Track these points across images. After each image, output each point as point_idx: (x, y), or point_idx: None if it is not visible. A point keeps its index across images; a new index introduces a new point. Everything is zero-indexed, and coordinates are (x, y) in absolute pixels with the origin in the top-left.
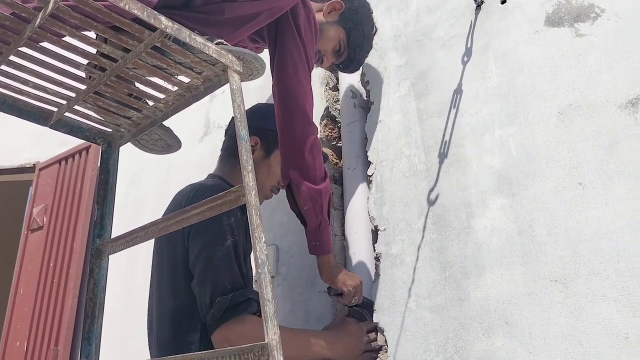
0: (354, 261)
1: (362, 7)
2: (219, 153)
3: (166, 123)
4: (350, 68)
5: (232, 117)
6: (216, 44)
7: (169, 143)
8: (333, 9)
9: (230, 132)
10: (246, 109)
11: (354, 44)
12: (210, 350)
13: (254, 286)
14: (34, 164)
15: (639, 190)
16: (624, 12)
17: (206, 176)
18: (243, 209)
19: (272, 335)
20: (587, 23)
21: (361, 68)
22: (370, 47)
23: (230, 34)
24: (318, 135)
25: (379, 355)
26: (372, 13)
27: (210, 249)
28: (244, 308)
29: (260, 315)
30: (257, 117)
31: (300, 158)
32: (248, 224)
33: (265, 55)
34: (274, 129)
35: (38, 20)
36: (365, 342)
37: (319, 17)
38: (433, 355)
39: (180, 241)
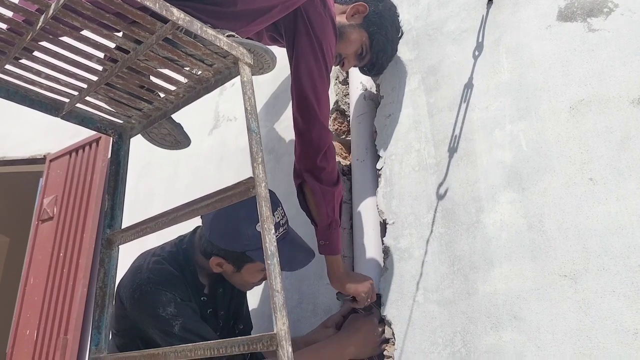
0: (362, 254)
1: (387, 10)
2: (227, 147)
3: (176, 115)
4: (372, 72)
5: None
6: (227, 36)
7: (178, 139)
8: (357, 11)
9: (200, 232)
10: (210, 219)
11: (377, 48)
12: (220, 340)
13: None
14: (44, 155)
15: None
16: (637, 7)
17: (177, 237)
18: (183, 296)
19: (281, 325)
20: (600, 18)
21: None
22: (395, 51)
23: (243, 28)
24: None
25: (386, 347)
26: (398, 17)
27: (167, 340)
28: None
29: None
30: (219, 238)
31: (314, 161)
32: (197, 297)
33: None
34: (236, 249)
35: (51, 11)
36: (378, 334)
37: (342, 19)
38: (440, 349)
39: (123, 312)
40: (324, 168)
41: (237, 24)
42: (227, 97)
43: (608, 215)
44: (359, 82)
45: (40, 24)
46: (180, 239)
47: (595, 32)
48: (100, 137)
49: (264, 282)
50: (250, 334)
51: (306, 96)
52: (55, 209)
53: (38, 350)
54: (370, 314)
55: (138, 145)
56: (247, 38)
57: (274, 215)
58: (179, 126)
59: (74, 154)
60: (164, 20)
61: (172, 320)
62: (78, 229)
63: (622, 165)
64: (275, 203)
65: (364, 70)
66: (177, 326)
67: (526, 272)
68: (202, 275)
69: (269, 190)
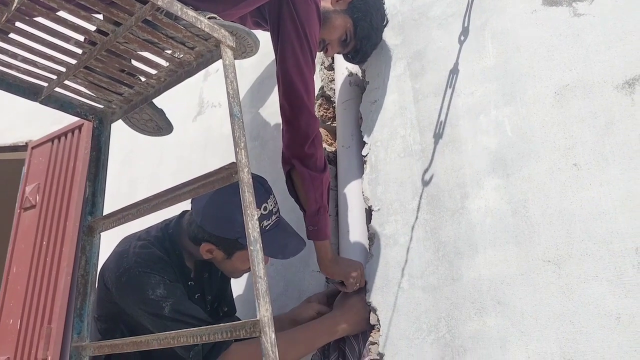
0: (348, 241)
1: None
2: (212, 133)
3: (160, 101)
4: (356, 59)
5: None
6: (208, 18)
7: (160, 125)
8: None
9: (191, 218)
10: (202, 205)
11: (361, 35)
12: (202, 327)
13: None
14: (26, 142)
15: (633, 172)
16: None
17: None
18: (172, 278)
19: (264, 312)
20: (586, 2)
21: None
22: (379, 39)
23: (227, 11)
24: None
25: (371, 333)
26: (384, 4)
27: (158, 323)
28: (219, 347)
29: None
30: (211, 225)
31: (303, 148)
32: (184, 282)
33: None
34: (229, 236)
35: None
36: (369, 311)
37: (326, 4)
38: (425, 335)
39: (108, 289)
40: (312, 155)
41: (220, 6)
42: (212, 83)
43: (592, 201)
44: (345, 67)
45: (15, 4)
46: (166, 223)
47: (580, 16)
48: (82, 124)
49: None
50: (233, 317)
51: (293, 82)
52: (37, 197)
53: (22, 340)
54: (361, 291)
55: (121, 132)
56: None
57: (267, 202)
58: (161, 112)
59: (56, 140)
60: (144, 2)
61: (162, 301)
62: (61, 217)
63: (606, 151)
64: (267, 191)
65: (347, 58)
66: (167, 307)
67: (510, 257)
68: (188, 261)
69: (262, 177)
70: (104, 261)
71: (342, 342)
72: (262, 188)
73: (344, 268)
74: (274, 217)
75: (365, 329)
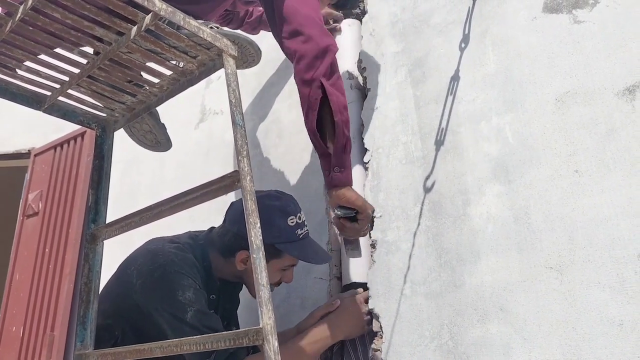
0: None
1: None
2: (213, 141)
3: (162, 108)
4: (347, 5)
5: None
6: (210, 27)
7: (159, 139)
8: None
9: (226, 228)
10: (239, 213)
11: None
12: (206, 335)
13: None
14: (29, 150)
15: (635, 178)
16: None
17: (186, 231)
18: (201, 285)
19: (266, 320)
20: (586, 10)
21: (358, 55)
22: None
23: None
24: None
25: (374, 340)
26: None
27: (177, 325)
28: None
29: (255, 351)
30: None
31: (330, 62)
32: (208, 294)
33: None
34: (266, 241)
35: (30, 2)
36: (365, 313)
37: None
38: (428, 342)
39: (129, 287)
40: (337, 71)
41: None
42: (214, 90)
43: (593, 207)
44: (345, 70)
45: (19, 15)
46: (193, 235)
47: (580, 23)
48: (85, 132)
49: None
50: None
51: (296, 9)
52: (40, 204)
53: (24, 347)
54: (355, 293)
55: (123, 139)
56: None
57: (300, 213)
58: (162, 126)
59: (58, 148)
60: (146, 11)
61: (188, 306)
62: (64, 224)
63: (607, 157)
64: (297, 206)
65: (339, 4)
66: (190, 312)
67: (512, 264)
68: (214, 274)
69: (290, 195)
70: (128, 255)
71: (342, 350)
72: (294, 201)
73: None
74: (305, 228)
75: (362, 332)
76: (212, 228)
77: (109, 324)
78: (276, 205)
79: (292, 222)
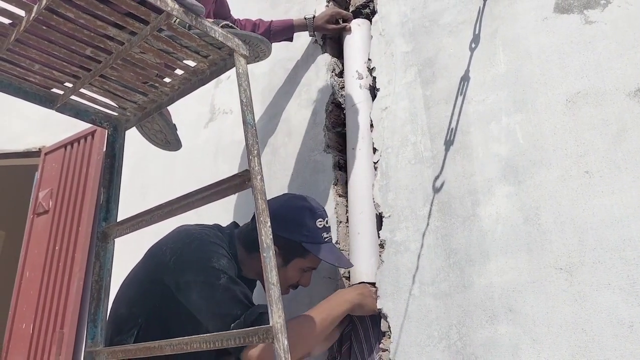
0: (358, 247)
1: None
2: (223, 140)
3: (172, 108)
4: None
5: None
6: (222, 26)
7: (168, 139)
8: None
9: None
10: (271, 207)
11: None
12: (215, 333)
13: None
14: (39, 148)
15: None
16: None
17: (212, 223)
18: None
19: (276, 318)
20: (597, 10)
21: (367, 54)
22: None
23: None
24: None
25: (382, 340)
26: None
27: (209, 291)
28: (260, 324)
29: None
30: (280, 225)
31: None
32: (237, 267)
33: None
34: (294, 239)
35: (44, 1)
36: (373, 291)
37: None
38: (436, 342)
39: (160, 269)
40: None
41: None
42: (223, 89)
43: (604, 209)
44: (355, 70)
45: (33, 14)
46: (218, 227)
47: (592, 24)
48: (95, 130)
49: (291, 290)
50: None
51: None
52: (50, 202)
53: (34, 344)
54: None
55: (133, 138)
56: None
57: (327, 218)
58: (172, 126)
59: (69, 147)
60: (159, 11)
61: (221, 272)
62: (74, 222)
63: (618, 158)
64: (325, 212)
65: None
66: (224, 278)
67: (522, 265)
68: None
69: (314, 200)
70: (155, 243)
71: (352, 333)
72: (322, 206)
73: None
74: (329, 234)
75: (373, 306)
76: (236, 223)
77: (134, 313)
78: (307, 206)
79: (320, 225)
